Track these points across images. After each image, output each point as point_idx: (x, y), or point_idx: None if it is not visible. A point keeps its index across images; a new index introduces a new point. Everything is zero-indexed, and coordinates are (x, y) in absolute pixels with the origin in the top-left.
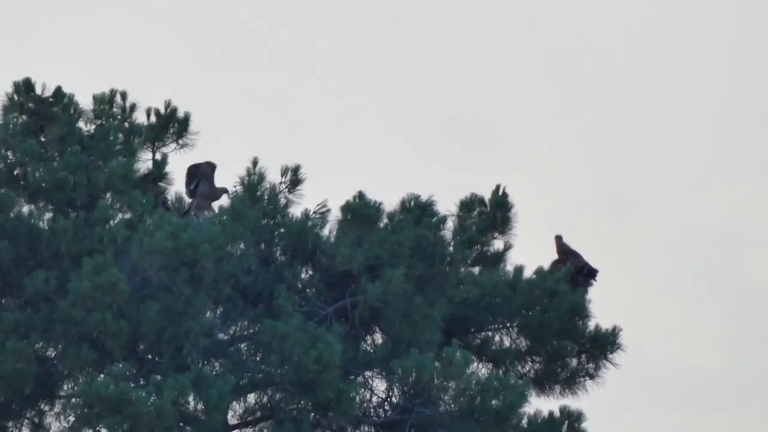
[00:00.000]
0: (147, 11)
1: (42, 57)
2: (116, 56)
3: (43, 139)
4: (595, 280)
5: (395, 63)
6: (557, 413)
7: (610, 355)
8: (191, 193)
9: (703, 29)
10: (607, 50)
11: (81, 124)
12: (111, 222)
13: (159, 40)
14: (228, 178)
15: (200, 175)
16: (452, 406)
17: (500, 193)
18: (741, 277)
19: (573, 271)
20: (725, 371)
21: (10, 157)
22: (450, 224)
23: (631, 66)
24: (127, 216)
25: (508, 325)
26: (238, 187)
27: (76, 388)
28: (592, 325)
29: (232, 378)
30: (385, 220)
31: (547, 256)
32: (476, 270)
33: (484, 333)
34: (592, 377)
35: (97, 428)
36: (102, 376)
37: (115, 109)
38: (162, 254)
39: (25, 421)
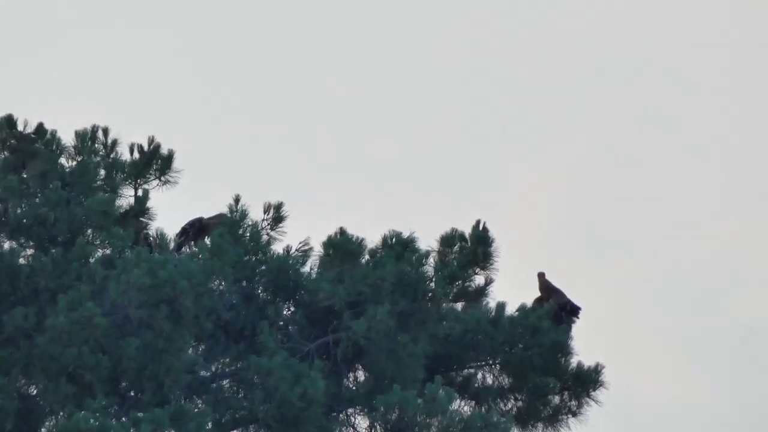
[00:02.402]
0: (131, 45)
1: (24, 92)
2: (101, 92)
3: (24, 176)
4: (578, 318)
5: (377, 98)
6: None
7: (592, 393)
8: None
9: (685, 63)
10: (594, 82)
11: (63, 160)
12: (90, 258)
13: (144, 73)
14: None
15: (189, 229)
16: None
17: (481, 228)
18: (726, 313)
19: (556, 308)
20: (710, 408)
21: None
22: (431, 260)
23: (616, 102)
24: (107, 252)
25: (490, 362)
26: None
27: (56, 423)
28: (574, 362)
29: (211, 413)
30: (367, 256)
31: (530, 293)
32: (458, 306)
33: (466, 370)
34: (574, 414)
35: None
36: (82, 411)
37: (97, 145)
38: (140, 291)
39: None
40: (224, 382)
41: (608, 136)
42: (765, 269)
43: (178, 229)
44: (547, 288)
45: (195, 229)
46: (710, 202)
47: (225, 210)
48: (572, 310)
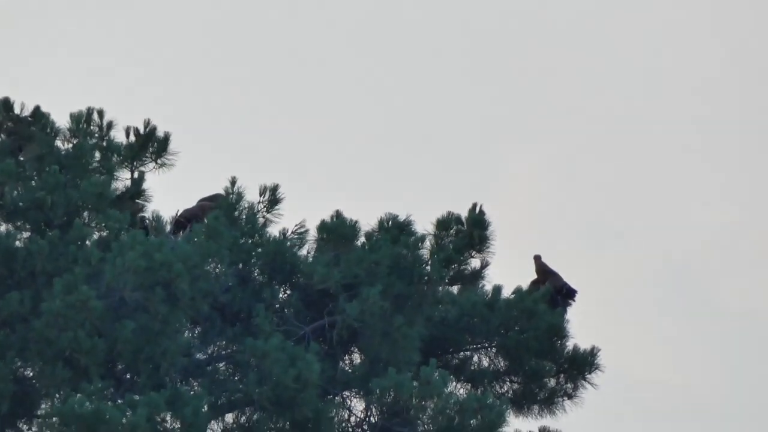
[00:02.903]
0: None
1: (20, 75)
2: (99, 71)
3: (21, 159)
4: (574, 301)
5: (373, 83)
6: None
7: (588, 375)
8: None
9: (682, 56)
10: (591, 75)
11: (59, 142)
12: (86, 241)
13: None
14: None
15: (186, 223)
16: (430, 426)
17: (477, 211)
18: (719, 300)
19: (552, 291)
20: (703, 392)
21: None
22: (427, 243)
23: (613, 94)
24: (103, 234)
25: (486, 345)
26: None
27: (52, 406)
28: (570, 345)
29: (207, 395)
30: (363, 240)
31: (526, 276)
32: (454, 289)
33: (462, 353)
34: (570, 397)
35: None
36: (78, 394)
37: (92, 128)
38: (136, 274)
39: None
40: (220, 365)
41: (603, 123)
42: (757, 257)
43: (173, 216)
44: (543, 271)
45: (192, 224)
46: (704, 189)
47: (221, 192)
48: (568, 293)
